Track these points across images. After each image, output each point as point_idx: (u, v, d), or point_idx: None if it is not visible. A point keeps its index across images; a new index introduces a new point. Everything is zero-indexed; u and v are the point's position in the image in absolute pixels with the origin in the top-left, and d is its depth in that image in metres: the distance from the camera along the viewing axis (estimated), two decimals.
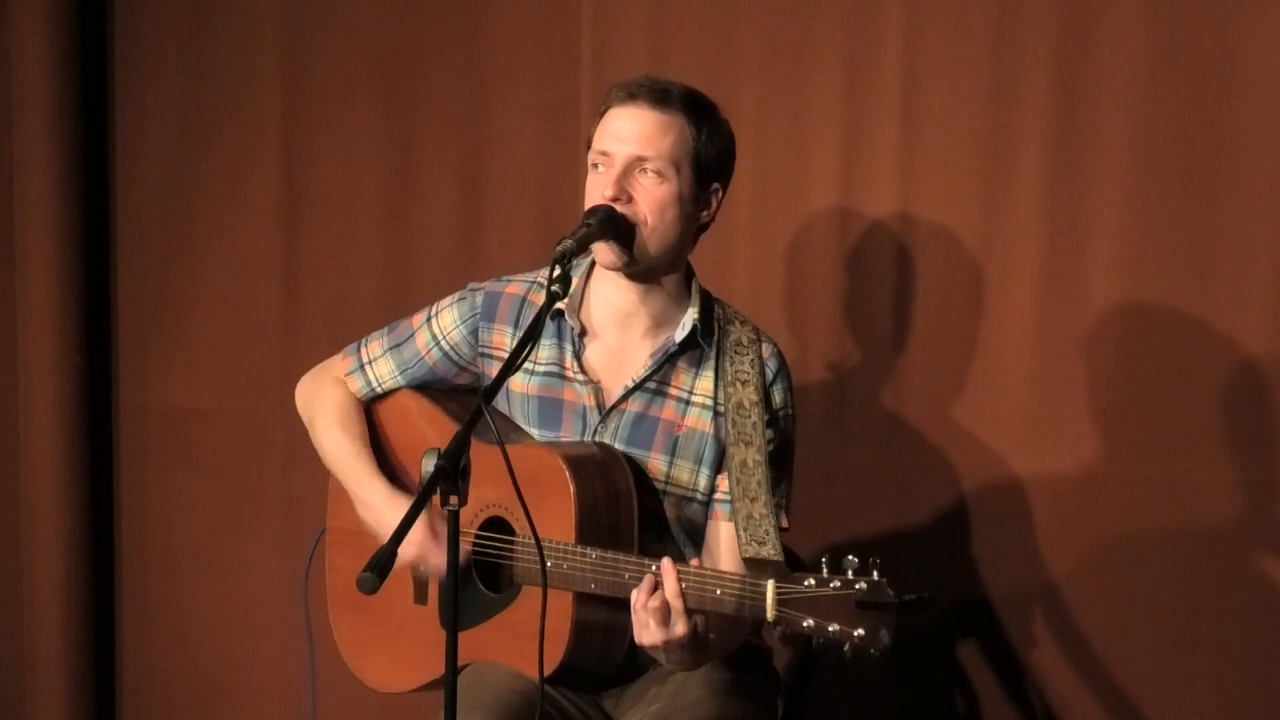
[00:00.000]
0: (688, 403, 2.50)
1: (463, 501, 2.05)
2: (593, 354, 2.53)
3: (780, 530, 2.49)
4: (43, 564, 3.85)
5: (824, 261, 3.15)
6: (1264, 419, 2.87)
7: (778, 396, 2.52)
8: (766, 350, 2.52)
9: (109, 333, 3.88)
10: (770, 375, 2.51)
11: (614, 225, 2.39)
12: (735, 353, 2.49)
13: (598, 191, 2.42)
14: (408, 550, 2.44)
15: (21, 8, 3.70)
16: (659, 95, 2.43)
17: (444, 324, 2.62)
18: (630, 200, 2.41)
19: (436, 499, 2.35)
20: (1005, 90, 2.98)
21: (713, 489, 2.49)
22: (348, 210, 3.61)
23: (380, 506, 2.56)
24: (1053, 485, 3.01)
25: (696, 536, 2.52)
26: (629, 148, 2.41)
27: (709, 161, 2.46)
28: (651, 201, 2.42)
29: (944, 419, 3.08)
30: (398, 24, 3.52)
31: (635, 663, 2.50)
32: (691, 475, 2.49)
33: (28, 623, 3.88)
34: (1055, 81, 2.95)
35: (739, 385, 2.46)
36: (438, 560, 2.48)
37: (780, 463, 2.51)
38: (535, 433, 2.54)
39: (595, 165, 2.45)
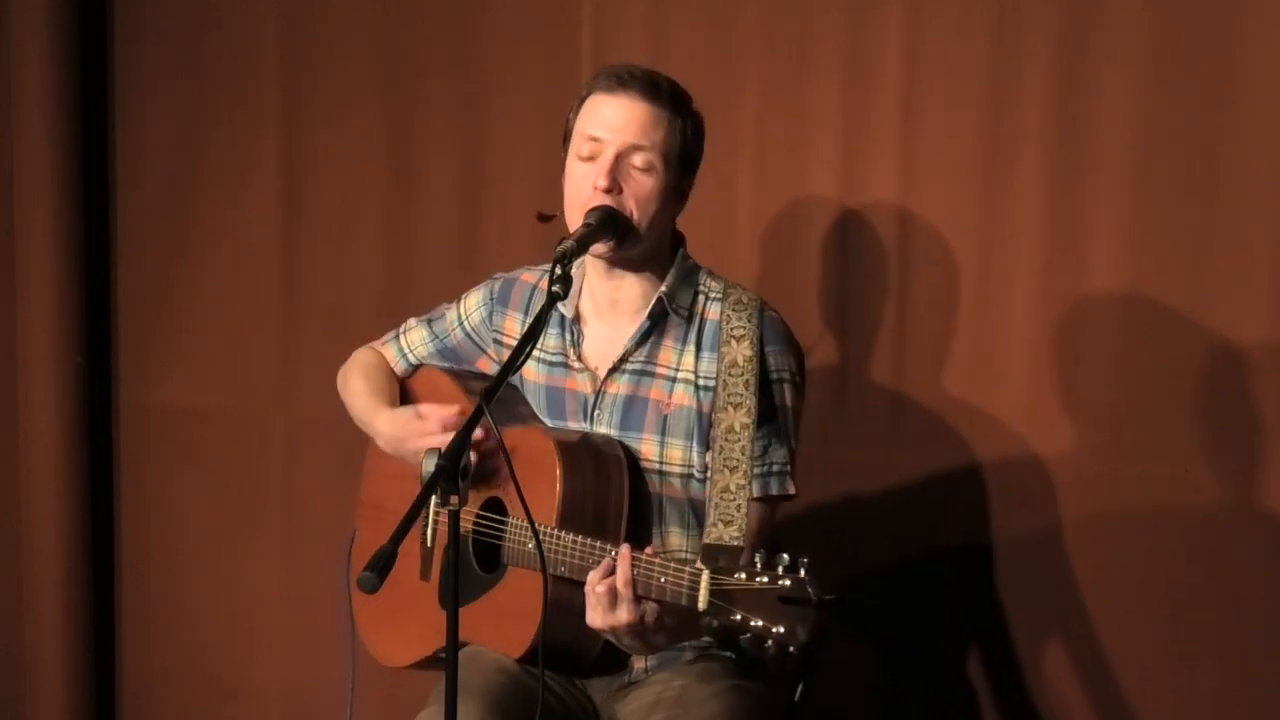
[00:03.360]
0: (674, 380, 2.50)
1: (463, 501, 2.08)
2: (589, 341, 2.56)
3: (786, 498, 2.49)
4: (43, 564, 3.85)
5: (824, 260, 3.15)
6: (1262, 418, 2.87)
7: (775, 359, 2.47)
8: (769, 316, 2.50)
9: (109, 333, 3.88)
10: (771, 336, 2.47)
11: (614, 225, 2.40)
12: (733, 310, 2.47)
13: (588, 181, 2.42)
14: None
15: (21, 8, 3.70)
16: (651, 87, 2.43)
17: (468, 306, 2.70)
18: (620, 191, 2.41)
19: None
20: (1005, 90, 2.98)
21: (707, 466, 2.46)
22: (348, 210, 3.62)
23: (387, 427, 2.62)
24: (1052, 484, 3.00)
25: (701, 515, 2.47)
26: (623, 137, 2.41)
27: (691, 155, 2.48)
28: (641, 194, 2.42)
29: (943, 417, 3.08)
30: (398, 24, 3.52)
31: (619, 654, 2.49)
32: (685, 452, 2.49)
33: (28, 623, 3.88)
34: (1055, 81, 2.95)
35: (733, 342, 2.43)
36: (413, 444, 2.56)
37: (775, 426, 2.47)
38: (548, 421, 2.57)
39: (585, 154, 2.44)
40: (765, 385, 2.45)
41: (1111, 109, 2.91)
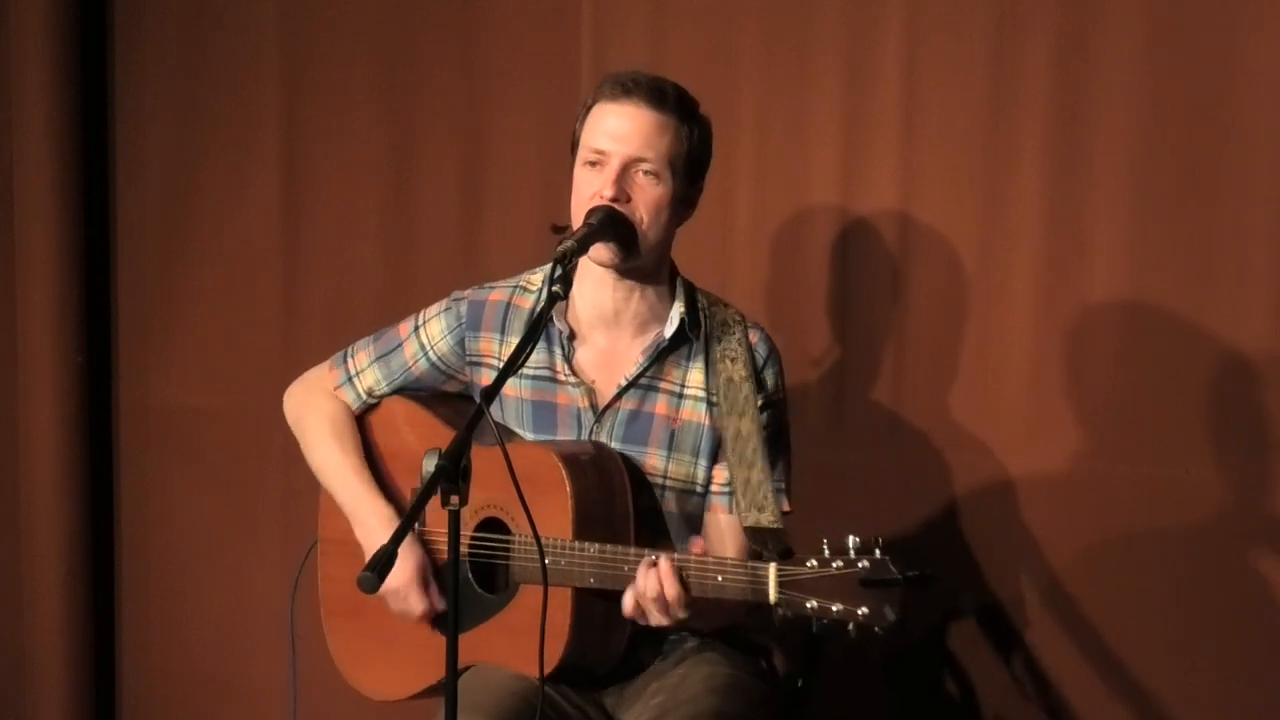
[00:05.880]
0: (681, 396, 2.50)
1: (463, 501, 2.05)
2: (583, 356, 2.53)
3: (783, 514, 2.50)
4: (43, 564, 3.85)
5: (823, 262, 3.15)
6: (1263, 419, 2.87)
7: (769, 380, 2.52)
8: (754, 336, 2.52)
9: (109, 333, 3.88)
10: (761, 359, 2.52)
11: (615, 225, 2.39)
12: (723, 332, 2.50)
13: (592, 189, 2.41)
14: (390, 581, 2.40)
15: (21, 8, 3.70)
16: (656, 95, 2.41)
17: (431, 334, 2.61)
18: (628, 200, 2.40)
19: (438, 543, 2.36)
20: (1005, 90, 2.98)
21: (710, 480, 2.49)
22: (348, 210, 3.62)
23: (378, 528, 2.53)
24: (1052, 485, 3.01)
25: (697, 530, 2.51)
26: (627, 148, 2.40)
27: (698, 161, 2.47)
28: (649, 202, 2.41)
29: (943, 419, 3.08)
30: (398, 24, 3.52)
31: (634, 660, 2.51)
32: (689, 468, 2.49)
33: (28, 623, 3.88)
34: (1055, 81, 2.95)
35: (728, 362, 2.47)
36: (416, 602, 2.50)
37: (776, 445, 2.50)
38: (530, 436, 2.54)
39: (591, 163, 2.43)
40: (765, 406, 2.49)
41: (1111, 109, 2.92)
